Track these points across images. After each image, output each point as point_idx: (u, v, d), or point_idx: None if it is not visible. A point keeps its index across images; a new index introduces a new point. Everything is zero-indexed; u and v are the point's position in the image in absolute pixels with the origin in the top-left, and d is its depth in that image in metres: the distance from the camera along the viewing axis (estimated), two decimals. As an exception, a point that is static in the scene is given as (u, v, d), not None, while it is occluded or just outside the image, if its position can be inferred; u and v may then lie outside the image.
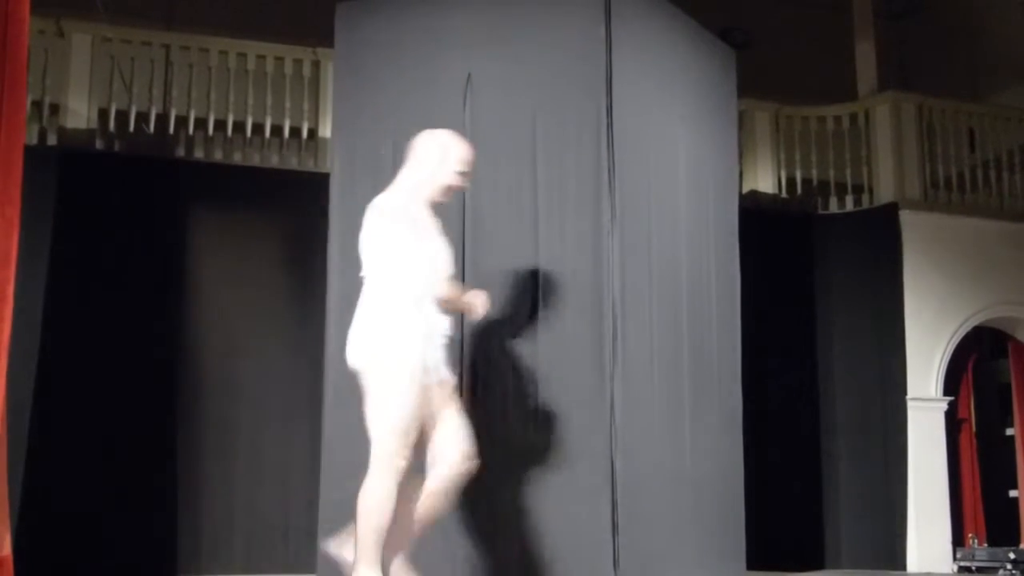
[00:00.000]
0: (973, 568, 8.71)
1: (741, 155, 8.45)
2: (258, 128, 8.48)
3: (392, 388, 3.82)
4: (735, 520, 6.29)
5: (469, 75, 5.69)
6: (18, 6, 5.28)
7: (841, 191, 9.61)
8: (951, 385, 9.35)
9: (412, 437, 3.87)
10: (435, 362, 3.98)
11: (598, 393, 5.26)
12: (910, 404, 8.90)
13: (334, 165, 6.00)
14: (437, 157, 4.21)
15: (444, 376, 4.04)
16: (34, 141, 7.64)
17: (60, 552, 6.93)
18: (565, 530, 5.20)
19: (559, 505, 5.22)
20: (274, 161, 8.46)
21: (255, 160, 8.42)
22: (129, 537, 7.31)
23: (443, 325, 4.06)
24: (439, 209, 4.30)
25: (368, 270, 4.06)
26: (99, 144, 8.06)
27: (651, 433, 5.58)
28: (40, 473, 7.07)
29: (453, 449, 4.01)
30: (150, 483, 7.49)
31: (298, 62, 8.62)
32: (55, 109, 8.08)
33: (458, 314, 4.54)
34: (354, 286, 5.78)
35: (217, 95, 8.43)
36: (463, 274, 5.53)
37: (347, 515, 5.47)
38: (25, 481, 6.91)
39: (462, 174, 4.27)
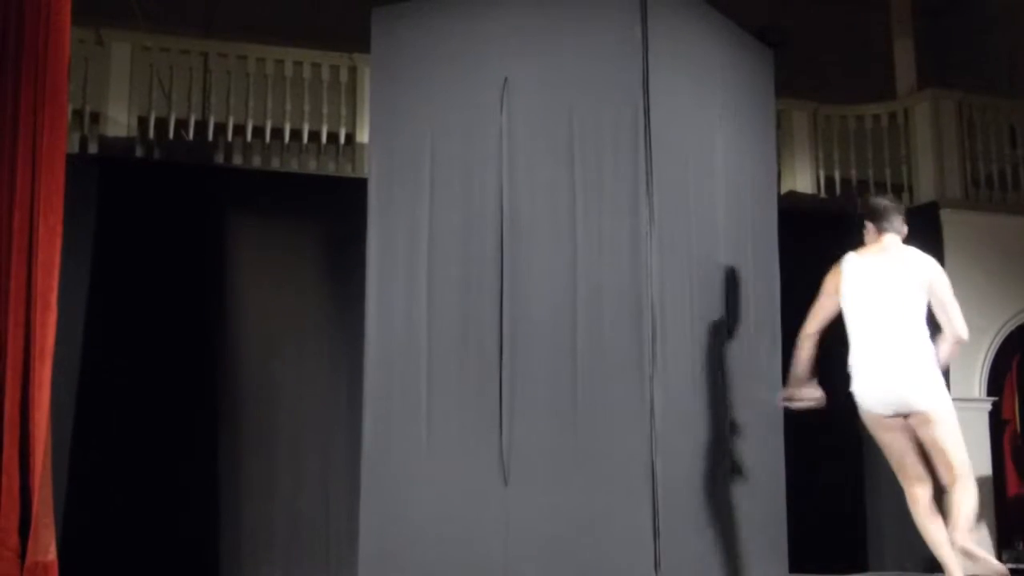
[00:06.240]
0: (1021, 570, 8.59)
1: (779, 155, 8.39)
2: (296, 134, 8.52)
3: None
4: (777, 522, 6.25)
5: (506, 78, 5.70)
6: (59, 16, 5.35)
7: (881, 190, 9.50)
8: (994, 386, 9.24)
9: None
10: None
11: (638, 395, 5.24)
12: (953, 405, 8.79)
13: (372, 170, 6.03)
14: None
15: None
16: (75, 149, 7.70)
17: (103, 555, 6.98)
18: (606, 532, 5.18)
19: (600, 508, 5.21)
20: (312, 167, 8.50)
21: (293, 166, 8.46)
22: (171, 540, 7.36)
23: None
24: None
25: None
26: (139, 152, 8.14)
27: (691, 435, 5.56)
28: (83, 477, 7.14)
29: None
30: (191, 486, 7.54)
31: (335, 68, 8.65)
32: (96, 118, 8.15)
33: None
34: (392, 290, 5.83)
35: (255, 102, 8.48)
36: (501, 277, 5.54)
37: (388, 518, 5.48)
38: (68, 485, 6.99)
39: None
